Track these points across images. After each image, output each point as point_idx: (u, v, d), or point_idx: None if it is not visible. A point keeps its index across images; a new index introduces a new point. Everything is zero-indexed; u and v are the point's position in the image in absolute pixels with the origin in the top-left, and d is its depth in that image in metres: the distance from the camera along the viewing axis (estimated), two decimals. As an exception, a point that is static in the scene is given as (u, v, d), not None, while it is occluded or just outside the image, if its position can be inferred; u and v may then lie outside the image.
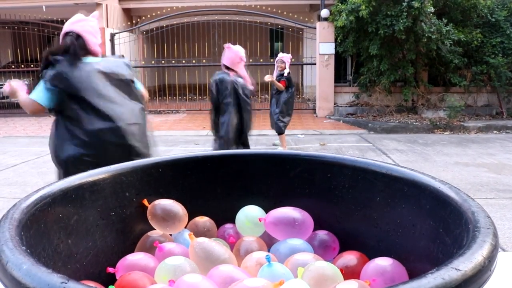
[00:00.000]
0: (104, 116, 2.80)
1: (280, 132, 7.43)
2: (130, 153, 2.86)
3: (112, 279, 0.82)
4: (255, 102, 14.08)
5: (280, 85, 7.19)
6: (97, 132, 2.79)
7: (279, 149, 7.11)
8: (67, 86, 2.72)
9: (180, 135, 9.35)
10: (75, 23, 2.98)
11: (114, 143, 2.83)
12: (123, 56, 3.58)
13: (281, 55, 7.28)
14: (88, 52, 2.90)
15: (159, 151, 7.68)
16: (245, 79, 4.46)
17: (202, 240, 0.85)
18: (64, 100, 2.75)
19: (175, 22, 13.32)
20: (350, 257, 0.87)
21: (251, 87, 4.52)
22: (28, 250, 0.58)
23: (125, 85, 2.98)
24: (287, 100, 7.32)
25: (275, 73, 7.33)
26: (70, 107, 2.76)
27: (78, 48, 2.85)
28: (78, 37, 2.92)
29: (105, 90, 2.84)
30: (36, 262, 0.53)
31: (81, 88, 2.75)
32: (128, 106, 2.93)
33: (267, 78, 7.20)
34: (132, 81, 3.05)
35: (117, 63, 3.08)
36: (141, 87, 3.19)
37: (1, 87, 13.86)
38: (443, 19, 10.44)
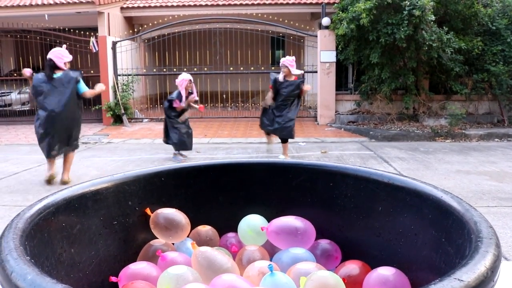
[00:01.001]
0: (47, 107, 5.64)
1: (291, 138, 7.40)
2: (62, 128, 5.76)
3: (114, 288, 0.82)
4: (256, 110, 14.10)
5: (306, 89, 7.29)
6: (45, 116, 5.68)
7: (281, 157, 7.10)
8: (33, 87, 5.73)
9: (182, 143, 9.33)
10: (51, 53, 5.65)
11: (55, 122, 5.68)
12: (78, 71, 5.94)
13: (282, 60, 7.13)
14: (57, 68, 5.62)
15: (161, 159, 7.68)
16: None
17: (205, 249, 0.86)
18: (35, 94, 5.74)
19: (176, 30, 13.38)
20: (352, 267, 0.87)
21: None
22: (32, 260, 0.58)
23: (66, 89, 5.65)
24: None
25: (281, 78, 7.06)
26: (37, 99, 5.76)
27: (48, 67, 5.64)
28: (51, 60, 5.61)
29: (50, 92, 5.63)
30: (40, 272, 0.53)
31: (39, 90, 5.69)
32: (61, 102, 5.61)
33: (308, 87, 7.29)
34: (76, 88, 5.67)
35: (68, 76, 5.67)
36: (84, 89, 5.76)
37: (4, 95, 13.91)
38: (444, 27, 10.47)
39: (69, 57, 5.74)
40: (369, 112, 11.99)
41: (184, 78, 7.22)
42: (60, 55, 5.63)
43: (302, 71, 7.26)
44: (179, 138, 7.39)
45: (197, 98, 7.48)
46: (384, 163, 7.25)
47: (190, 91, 7.34)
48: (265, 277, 0.78)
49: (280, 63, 7.13)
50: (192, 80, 7.33)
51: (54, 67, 5.63)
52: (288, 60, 7.02)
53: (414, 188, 0.84)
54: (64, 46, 5.76)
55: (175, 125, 7.38)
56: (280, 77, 7.04)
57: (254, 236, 0.99)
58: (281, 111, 7.12)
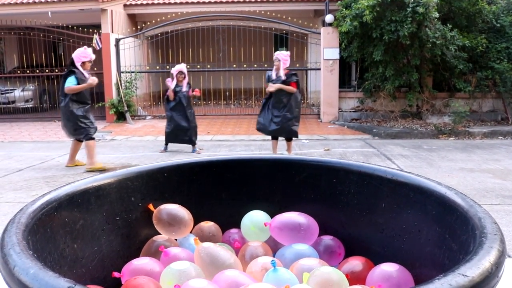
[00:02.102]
0: None
1: (294, 137, 7.14)
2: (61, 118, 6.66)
3: (117, 283, 0.82)
4: (259, 108, 14.10)
5: (291, 88, 6.66)
6: None
7: (285, 153, 7.07)
8: None
9: (185, 140, 9.33)
10: (75, 52, 6.30)
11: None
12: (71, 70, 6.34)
13: (276, 53, 6.88)
14: (74, 65, 6.26)
15: (164, 156, 7.69)
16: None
17: (208, 245, 0.85)
18: None
19: (179, 28, 13.37)
20: (355, 263, 0.87)
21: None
22: (35, 255, 0.58)
23: (61, 86, 6.41)
24: (299, 102, 6.95)
25: (273, 74, 6.83)
26: None
27: (69, 64, 6.38)
28: (71, 59, 6.35)
29: None
30: (43, 266, 0.53)
31: None
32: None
33: (272, 88, 6.69)
34: (64, 84, 6.30)
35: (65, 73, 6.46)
36: (67, 84, 6.23)
37: (8, 92, 13.93)
38: (448, 24, 10.43)
39: (88, 57, 6.32)
40: (372, 110, 11.96)
41: (176, 69, 7.74)
42: (79, 54, 6.27)
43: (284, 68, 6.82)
44: (170, 130, 7.78)
45: (171, 87, 7.72)
46: (387, 161, 7.24)
47: (189, 83, 7.86)
48: (268, 273, 0.78)
49: (274, 56, 6.86)
50: (184, 72, 7.74)
51: (73, 65, 6.28)
52: (282, 54, 6.75)
53: (417, 184, 0.83)
54: (85, 46, 6.40)
55: (171, 117, 7.77)
56: (273, 73, 6.79)
57: (257, 232, 0.99)
58: (279, 110, 6.79)
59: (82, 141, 6.55)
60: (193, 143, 7.83)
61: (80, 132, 6.46)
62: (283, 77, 6.74)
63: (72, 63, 6.29)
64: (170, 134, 7.81)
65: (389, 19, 10.13)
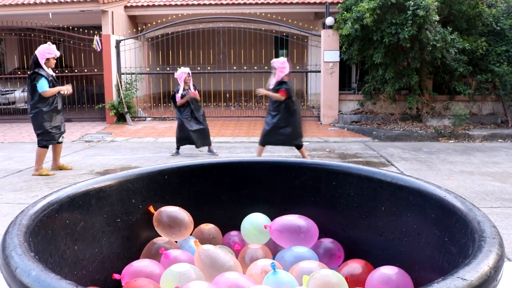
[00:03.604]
0: None
1: (270, 144, 6.91)
2: None
3: (118, 285, 0.82)
4: (259, 110, 14.12)
5: (276, 95, 6.37)
6: None
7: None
8: None
9: (185, 142, 9.32)
10: (38, 49, 6.02)
11: None
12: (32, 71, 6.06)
13: (272, 61, 6.65)
14: (38, 63, 5.98)
15: (164, 158, 7.69)
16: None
17: (208, 247, 0.86)
18: None
19: (180, 29, 13.38)
20: (355, 266, 0.87)
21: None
22: (36, 257, 0.59)
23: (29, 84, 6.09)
24: (294, 112, 6.56)
25: (272, 82, 6.59)
26: None
27: (33, 62, 6.04)
28: (35, 55, 6.02)
29: None
30: (44, 268, 0.53)
31: None
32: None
33: (259, 92, 6.80)
34: (31, 85, 6.07)
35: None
36: (42, 89, 5.98)
37: (8, 93, 13.90)
38: (448, 27, 10.44)
39: (52, 54, 6.01)
40: (372, 112, 11.96)
41: (182, 71, 7.61)
42: (41, 51, 6.01)
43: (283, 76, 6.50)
44: (179, 135, 7.71)
45: (180, 93, 7.63)
46: (387, 163, 7.24)
47: (194, 84, 7.75)
48: (268, 275, 0.78)
49: (271, 64, 6.64)
50: (190, 74, 7.67)
51: (37, 63, 6.02)
52: (278, 62, 6.48)
53: (417, 187, 0.84)
54: (49, 43, 6.16)
55: (183, 120, 7.65)
56: (270, 80, 6.60)
57: (257, 234, 0.99)
58: (272, 118, 6.57)
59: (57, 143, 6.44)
60: (208, 144, 7.80)
61: (38, 136, 6.29)
62: (271, 86, 6.51)
63: (36, 60, 6.00)
64: (180, 138, 7.74)
65: (390, 22, 10.15)
